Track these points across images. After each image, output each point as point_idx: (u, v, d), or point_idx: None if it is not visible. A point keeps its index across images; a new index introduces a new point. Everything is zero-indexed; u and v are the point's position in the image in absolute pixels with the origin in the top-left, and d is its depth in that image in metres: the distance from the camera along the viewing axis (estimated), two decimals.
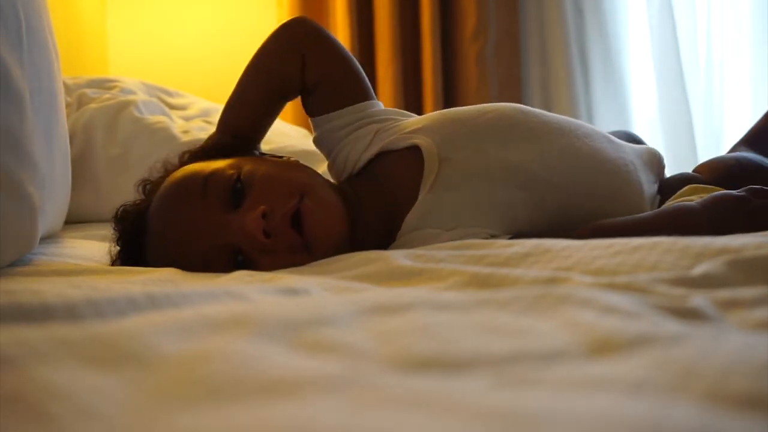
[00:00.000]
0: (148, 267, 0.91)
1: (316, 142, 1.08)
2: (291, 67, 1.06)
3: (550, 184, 0.96)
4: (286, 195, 0.88)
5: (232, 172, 0.90)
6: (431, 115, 1.05)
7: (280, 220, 0.86)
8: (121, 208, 0.99)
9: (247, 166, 0.92)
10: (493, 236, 0.92)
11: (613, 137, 1.08)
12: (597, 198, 0.98)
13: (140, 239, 0.94)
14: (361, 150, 1.02)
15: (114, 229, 0.98)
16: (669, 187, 1.06)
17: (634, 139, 1.21)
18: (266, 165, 0.95)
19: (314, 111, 1.06)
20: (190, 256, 0.88)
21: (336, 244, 0.89)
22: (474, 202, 0.95)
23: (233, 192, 0.89)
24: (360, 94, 1.06)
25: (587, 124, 1.07)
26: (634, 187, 1.02)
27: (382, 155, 1.01)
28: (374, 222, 0.97)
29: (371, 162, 1.02)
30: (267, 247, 0.86)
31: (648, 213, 0.95)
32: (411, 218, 0.95)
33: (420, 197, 0.96)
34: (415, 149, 0.98)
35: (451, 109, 1.07)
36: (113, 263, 0.96)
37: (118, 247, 0.97)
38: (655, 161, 1.10)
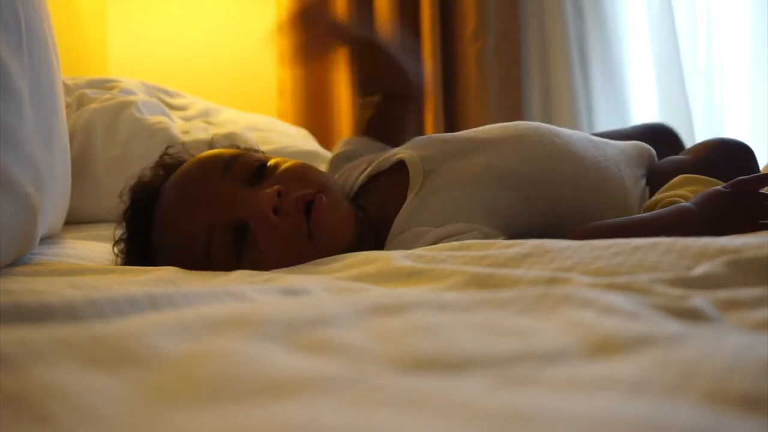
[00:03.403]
0: (152, 250, 0.94)
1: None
2: None
3: (535, 181, 0.98)
4: (305, 184, 0.92)
5: (259, 156, 0.95)
6: (415, 140, 1.09)
7: (293, 203, 0.89)
8: (141, 175, 1.00)
9: (277, 158, 0.97)
10: (484, 234, 0.93)
11: (592, 136, 1.11)
12: (581, 193, 1.00)
13: (149, 211, 0.96)
14: (355, 177, 1.07)
15: (127, 197, 0.99)
16: (659, 174, 1.07)
17: (667, 131, 1.23)
18: (295, 161, 0.99)
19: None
20: (193, 228, 0.90)
21: (339, 247, 0.90)
22: (461, 202, 0.96)
23: (255, 172, 0.92)
24: None
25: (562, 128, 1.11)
26: (615, 182, 1.03)
27: (372, 179, 1.05)
28: (367, 236, 0.98)
29: (363, 187, 1.05)
30: (274, 225, 0.88)
31: (645, 214, 0.96)
32: (398, 222, 0.97)
33: (406, 202, 0.98)
34: (402, 168, 1.02)
35: (434, 134, 1.14)
36: (116, 242, 0.98)
37: (124, 222, 0.98)
38: (644, 155, 1.12)
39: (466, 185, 0.97)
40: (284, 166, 0.94)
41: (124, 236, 0.98)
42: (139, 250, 0.96)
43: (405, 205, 0.97)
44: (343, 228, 0.93)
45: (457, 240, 0.88)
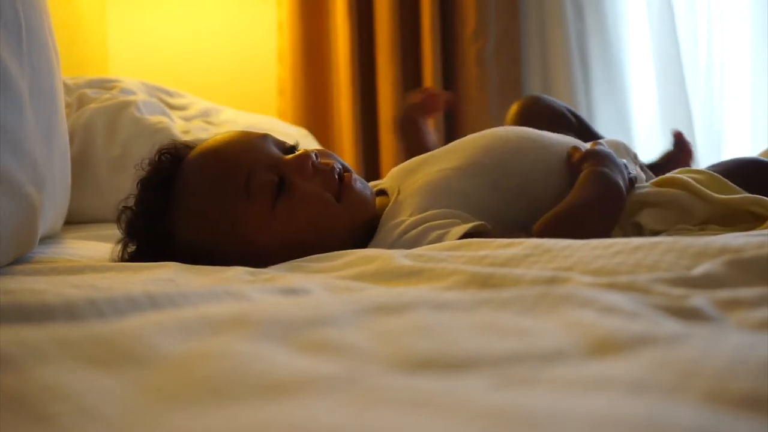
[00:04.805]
0: (170, 202, 0.96)
1: None
2: None
3: (503, 168, 1.02)
4: (336, 161, 1.00)
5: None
6: (392, 171, 1.14)
7: (327, 166, 0.97)
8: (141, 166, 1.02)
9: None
10: (462, 219, 0.94)
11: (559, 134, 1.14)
12: (552, 177, 1.02)
13: (173, 169, 0.98)
14: None
15: (147, 166, 1.01)
16: None
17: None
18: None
19: None
20: (235, 169, 0.94)
21: (360, 218, 0.98)
22: (431, 196, 0.99)
23: (290, 148, 1.00)
24: None
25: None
26: None
27: None
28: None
29: None
30: (310, 175, 0.95)
31: (578, 189, 0.97)
32: (380, 225, 0.99)
33: (386, 209, 1.01)
34: (383, 192, 1.07)
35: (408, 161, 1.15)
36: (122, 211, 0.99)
37: (139, 187, 0.99)
38: (621, 145, 1.16)
39: (436, 181, 1.01)
40: (318, 148, 1.04)
41: (138, 199, 0.99)
42: (153, 209, 0.97)
43: (386, 211, 1.01)
44: (366, 204, 0.99)
45: (432, 226, 0.92)
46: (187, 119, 1.82)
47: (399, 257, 0.77)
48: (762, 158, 1.20)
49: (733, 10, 2.21)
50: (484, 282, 0.65)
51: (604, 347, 0.44)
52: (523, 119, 1.34)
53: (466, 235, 0.88)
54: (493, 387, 0.38)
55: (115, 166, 1.51)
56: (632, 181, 1.01)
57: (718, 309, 0.52)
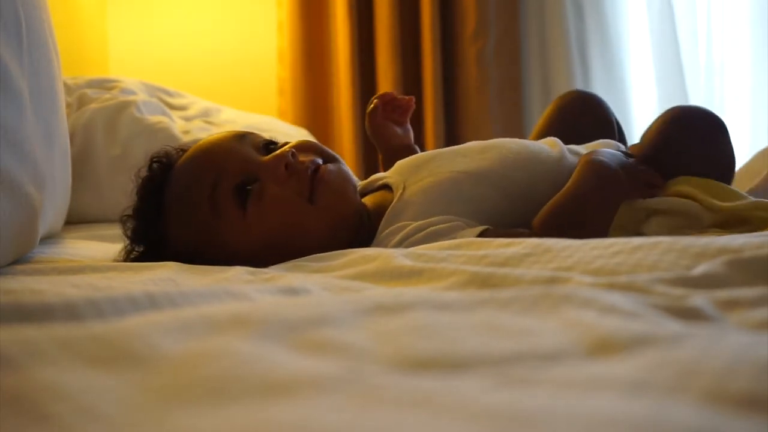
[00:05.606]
0: (160, 212, 0.97)
1: None
2: None
3: (512, 178, 1.01)
4: (315, 155, 0.98)
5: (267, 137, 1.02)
6: (398, 163, 1.11)
7: (303, 165, 0.95)
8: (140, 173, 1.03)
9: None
10: (466, 224, 0.94)
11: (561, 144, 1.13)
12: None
13: (163, 177, 0.99)
14: None
15: (146, 171, 1.01)
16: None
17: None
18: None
19: None
20: (205, 175, 0.94)
21: (337, 220, 0.96)
22: (440, 199, 0.98)
23: (266, 145, 0.99)
24: None
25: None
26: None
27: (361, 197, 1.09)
28: (365, 234, 1.01)
29: None
30: (282, 179, 0.93)
31: (574, 180, 0.97)
32: (384, 222, 0.99)
33: (390, 206, 1.00)
34: (387, 186, 1.06)
35: (414, 155, 1.14)
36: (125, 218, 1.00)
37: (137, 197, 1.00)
38: (613, 147, 1.15)
39: (445, 182, 1.00)
40: (298, 141, 1.02)
41: (134, 207, 1.00)
42: (147, 216, 0.98)
43: (389, 209, 0.99)
44: (344, 201, 0.98)
45: (438, 230, 0.91)
46: (187, 119, 1.82)
47: (399, 257, 0.77)
48: (700, 107, 1.22)
49: (733, 10, 2.21)
50: (484, 282, 0.65)
51: (604, 347, 0.44)
52: (564, 115, 1.30)
53: None
54: (493, 387, 0.38)
55: (115, 166, 1.51)
56: (638, 174, 0.99)
57: (718, 309, 0.52)
